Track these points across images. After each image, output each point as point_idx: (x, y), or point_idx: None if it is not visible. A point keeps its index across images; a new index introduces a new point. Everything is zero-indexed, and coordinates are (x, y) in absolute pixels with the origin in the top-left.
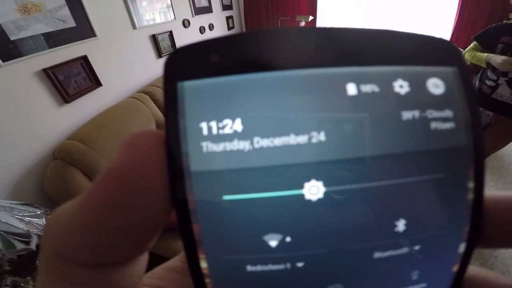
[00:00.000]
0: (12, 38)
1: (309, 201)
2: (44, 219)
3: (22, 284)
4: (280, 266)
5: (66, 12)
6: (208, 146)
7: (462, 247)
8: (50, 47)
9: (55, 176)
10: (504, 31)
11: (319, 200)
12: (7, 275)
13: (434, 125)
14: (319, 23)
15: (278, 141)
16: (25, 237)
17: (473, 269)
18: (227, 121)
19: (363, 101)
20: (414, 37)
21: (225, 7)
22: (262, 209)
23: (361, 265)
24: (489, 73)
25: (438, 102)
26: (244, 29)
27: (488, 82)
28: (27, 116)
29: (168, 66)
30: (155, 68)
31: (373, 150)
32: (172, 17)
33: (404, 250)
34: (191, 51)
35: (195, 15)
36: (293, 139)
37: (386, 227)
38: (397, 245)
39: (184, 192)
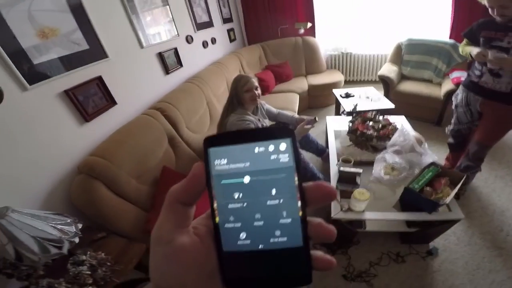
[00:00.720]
0: (35, 62)
1: (245, 183)
2: (73, 227)
3: (56, 285)
4: (239, 205)
5: (79, 35)
6: (217, 167)
7: (299, 203)
8: (67, 69)
9: (81, 189)
10: (484, 26)
11: (248, 182)
12: (41, 279)
13: (281, 159)
14: (318, 29)
15: (237, 164)
16: (58, 242)
17: (313, 218)
18: (222, 159)
19: (259, 153)
20: (273, 128)
21: (225, 20)
22: (233, 184)
23: (263, 206)
24: (476, 64)
25: (283, 150)
26: (246, 41)
27: (476, 72)
28: (54, 135)
29: (205, 142)
30: (163, 84)
31: (263, 166)
32: (175, 33)
33: (277, 201)
34: (211, 137)
35: (197, 30)
36: (240, 164)
37: (268, 191)
38: (274, 198)
39: (210, 181)
